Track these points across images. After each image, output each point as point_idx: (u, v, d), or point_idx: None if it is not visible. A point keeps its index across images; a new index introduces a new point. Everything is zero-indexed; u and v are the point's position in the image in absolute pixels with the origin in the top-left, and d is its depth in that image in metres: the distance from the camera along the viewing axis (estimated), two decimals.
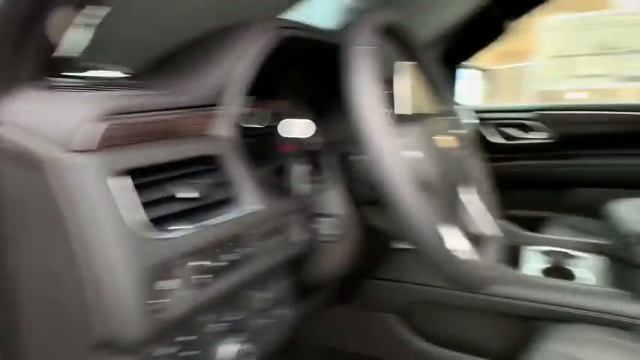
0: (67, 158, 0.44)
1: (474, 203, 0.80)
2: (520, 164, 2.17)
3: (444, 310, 1.16)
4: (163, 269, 0.46)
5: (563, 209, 1.96)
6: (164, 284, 0.46)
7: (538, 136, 2.13)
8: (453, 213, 0.75)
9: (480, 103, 2.34)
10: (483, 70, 2.38)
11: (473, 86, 2.37)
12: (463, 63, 2.18)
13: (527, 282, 1.06)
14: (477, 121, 2.05)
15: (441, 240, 0.60)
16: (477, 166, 0.90)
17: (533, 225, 1.62)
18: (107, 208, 0.44)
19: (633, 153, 1.94)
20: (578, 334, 0.87)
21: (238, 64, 0.63)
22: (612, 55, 2.81)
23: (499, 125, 2.25)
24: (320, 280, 0.80)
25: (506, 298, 1.04)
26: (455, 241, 0.63)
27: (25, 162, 0.46)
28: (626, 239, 1.02)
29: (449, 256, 0.61)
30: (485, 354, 1.10)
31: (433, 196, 0.63)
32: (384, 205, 0.61)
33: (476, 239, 0.74)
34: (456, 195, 0.78)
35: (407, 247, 1.19)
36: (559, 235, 1.41)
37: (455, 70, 2.23)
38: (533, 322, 1.00)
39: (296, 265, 0.71)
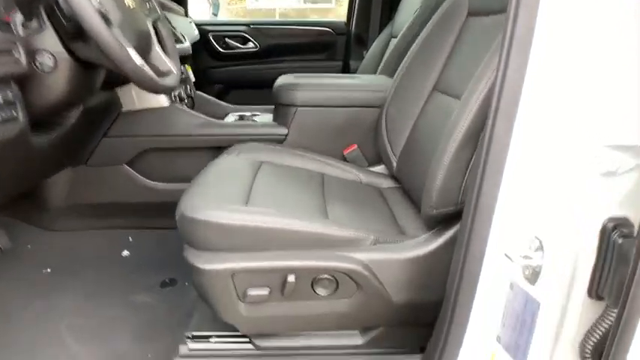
0: None
1: (159, 51, 1.18)
2: (238, 69, 2.70)
3: (160, 154, 1.55)
4: None
5: (268, 100, 2.58)
6: None
7: (250, 46, 2.67)
8: (148, 51, 1.13)
9: (208, 16, 2.73)
10: None
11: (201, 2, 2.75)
12: None
13: (219, 124, 1.56)
14: (198, 34, 2.42)
15: (129, 55, 0.94)
16: (164, 29, 1.27)
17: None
18: None
19: (313, 58, 2.68)
20: (252, 147, 1.37)
21: None
22: None
23: (223, 37, 2.70)
24: (45, 108, 1.06)
25: (201, 136, 1.52)
26: (141, 61, 0.99)
27: None
28: (276, 89, 1.58)
29: (136, 66, 0.96)
30: (188, 180, 1.56)
31: (121, 31, 0.96)
32: (88, 39, 0.92)
33: (160, 72, 1.13)
34: (150, 41, 1.15)
35: (133, 109, 1.53)
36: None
37: None
38: (220, 149, 1.48)
39: (24, 89, 0.96)
